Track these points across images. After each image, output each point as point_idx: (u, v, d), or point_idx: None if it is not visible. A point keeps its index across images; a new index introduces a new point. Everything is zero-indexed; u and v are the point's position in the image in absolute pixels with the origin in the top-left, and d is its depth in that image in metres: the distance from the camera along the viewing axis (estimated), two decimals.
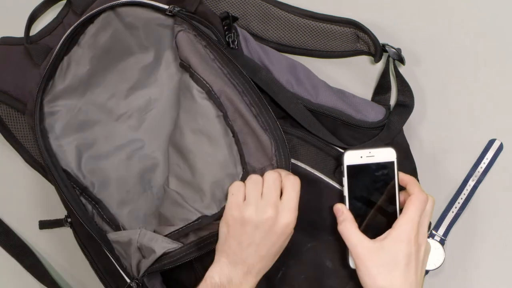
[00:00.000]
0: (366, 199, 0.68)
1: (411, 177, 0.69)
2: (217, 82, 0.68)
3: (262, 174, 0.66)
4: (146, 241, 0.69)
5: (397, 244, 0.65)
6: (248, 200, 0.65)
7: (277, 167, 0.67)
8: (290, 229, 0.65)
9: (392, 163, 0.68)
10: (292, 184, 0.65)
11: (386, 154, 0.68)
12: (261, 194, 0.65)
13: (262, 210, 0.64)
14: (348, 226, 0.66)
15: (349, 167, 0.68)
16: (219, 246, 0.66)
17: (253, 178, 0.66)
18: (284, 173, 0.66)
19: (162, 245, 0.68)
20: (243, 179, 0.67)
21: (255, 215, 0.64)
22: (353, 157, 0.68)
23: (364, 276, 0.65)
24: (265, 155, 0.67)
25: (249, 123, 0.67)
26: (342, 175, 0.68)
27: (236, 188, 0.66)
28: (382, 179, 0.68)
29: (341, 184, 0.70)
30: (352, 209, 0.68)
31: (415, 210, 0.65)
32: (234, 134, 0.68)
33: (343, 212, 0.67)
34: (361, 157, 0.68)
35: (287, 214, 0.64)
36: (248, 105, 0.68)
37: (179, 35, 0.70)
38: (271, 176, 0.65)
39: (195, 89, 0.69)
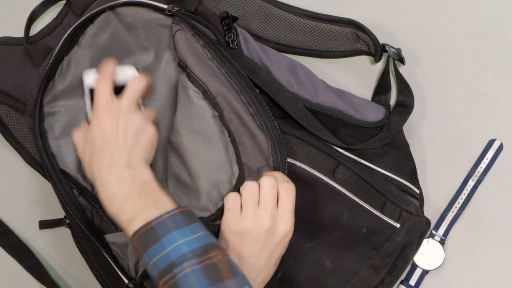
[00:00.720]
0: None
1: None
2: (214, 82, 0.68)
3: (258, 174, 0.66)
4: None
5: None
6: (245, 212, 0.64)
7: (274, 167, 0.67)
8: (288, 238, 0.65)
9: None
10: (287, 192, 0.65)
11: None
12: (258, 202, 0.64)
13: (260, 222, 0.64)
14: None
15: (92, 90, 0.69)
16: None
17: (249, 187, 0.65)
18: (280, 178, 0.66)
19: None
20: (240, 179, 0.67)
21: (254, 227, 0.64)
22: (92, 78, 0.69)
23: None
24: (262, 154, 0.67)
25: (245, 123, 0.67)
26: (86, 98, 0.70)
27: (232, 202, 0.65)
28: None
29: (339, 183, 0.70)
30: None
31: None
32: (230, 134, 0.68)
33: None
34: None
35: (284, 224, 0.64)
36: (245, 104, 0.67)
37: (176, 34, 0.70)
38: (268, 183, 0.65)
39: (191, 89, 0.69)
